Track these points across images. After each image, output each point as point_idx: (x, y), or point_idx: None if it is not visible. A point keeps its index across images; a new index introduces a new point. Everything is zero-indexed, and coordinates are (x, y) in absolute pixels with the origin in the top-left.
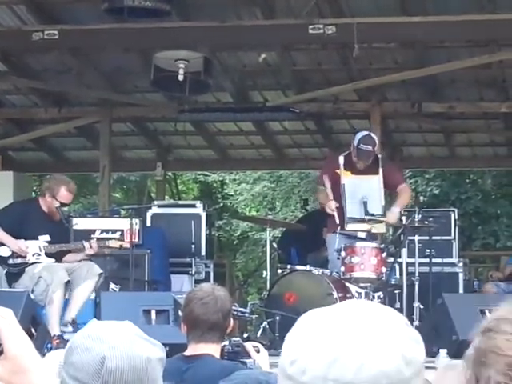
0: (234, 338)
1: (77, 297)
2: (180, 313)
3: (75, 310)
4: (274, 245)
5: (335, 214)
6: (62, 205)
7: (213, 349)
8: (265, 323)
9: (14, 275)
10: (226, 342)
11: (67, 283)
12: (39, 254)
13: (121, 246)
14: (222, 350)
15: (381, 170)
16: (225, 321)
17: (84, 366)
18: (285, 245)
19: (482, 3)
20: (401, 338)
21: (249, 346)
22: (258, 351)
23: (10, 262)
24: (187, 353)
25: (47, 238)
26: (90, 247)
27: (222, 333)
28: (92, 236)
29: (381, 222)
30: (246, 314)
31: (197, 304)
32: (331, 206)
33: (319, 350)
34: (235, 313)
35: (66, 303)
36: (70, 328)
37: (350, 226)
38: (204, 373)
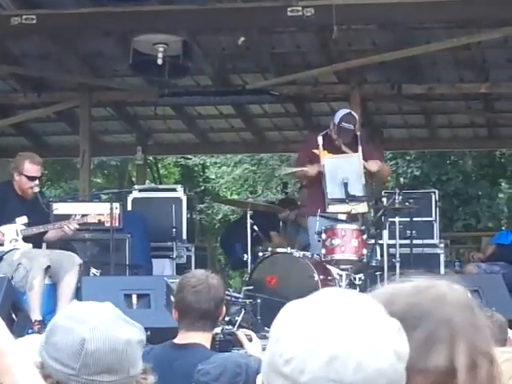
0: (226, 327)
1: (63, 292)
2: (172, 298)
3: (65, 307)
4: (255, 228)
5: (319, 168)
6: (31, 178)
7: (204, 337)
8: (245, 306)
9: None
10: (218, 330)
11: (47, 268)
12: (16, 240)
13: (99, 220)
14: (214, 338)
15: (360, 148)
16: (217, 309)
17: (64, 347)
18: (228, 241)
19: None
20: (390, 333)
21: (241, 334)
22: (250, 340)
23: None
24: (177, 340)
25: (24, 219)
26: (68, 226)
27: (214, 321)
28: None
29: (362, 201)
30: (240, 300)
31: (189, 291)
32: (313, 170)
33: (315, 349)
34: (229, 298)
35: (48, 290)
36: None
37: (331, 208)
38: (194, 363)
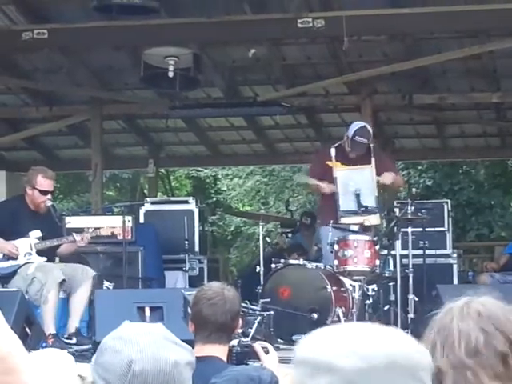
0: (242, 339)
1: (75, 306)
2: (189, 310)
3: (77, 320)
4: (268, 239)
5: (333, 189)
6: (44, 193)
7: (220, 350)
8: (259, 318)
9: (5, 277)
10: (235, 343)
11: (62, 282)
12: (30, 254)
13: (112, 233)
14: (230, 350)
15: (373, 160)
16: (233, 322)
17: (112, 367)
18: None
19: None
20: (412, 339)
21: (258, 347)
22: (267, 352)
23: (1, 265)
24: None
25: (38, 233)
26: (82, 239)
27: (230, 334)
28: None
29: (374, 213)
30: (257, 312)
31: (205, 304)
32: (328, 188)
33: (336, 336)
34: (246, 310)
35: (62, 304)
36: (74, 340)
37: (343, 220)
38: (210, 376)
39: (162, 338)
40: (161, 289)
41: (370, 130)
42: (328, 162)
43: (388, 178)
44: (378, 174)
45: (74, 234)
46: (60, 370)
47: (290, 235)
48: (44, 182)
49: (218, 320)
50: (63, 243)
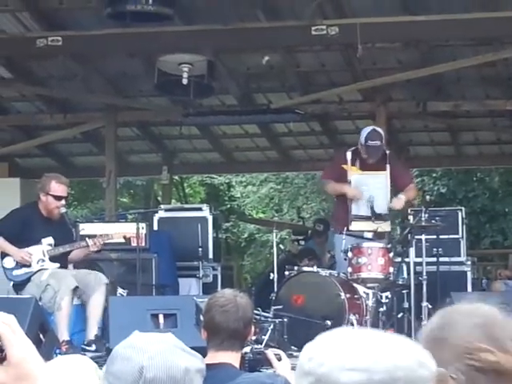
0: (255, 346)
1: (92, 314)
2: (201, 317)
3: (95, 328)
4: (281, 246)
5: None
6: (58, 198)
7: (232, 357)
8: (272, 325)
9: (19, 284)
10: (248, 349)
11: (75, 289)
12: (43, 260)
13: (124, 237)
14: (243, 357)
15: (388, 167)
16: (245, 329)
17: (123, 375)
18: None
19: (485, 1)
20: (416, 348)
21: (270, 353)
22: (279, 359)
23: (15, 273)
24: (206, 360)
25: (50, 239)
26: (94, 244)
27: (242, 341)
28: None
29: (386, 220)
30: (269, 319)
31: (217, 311)
32: (356, 195)
33: (337, 346)
34: (258, 317)
35: (75, 311)
36: (93, 347)
37: (354, 224)
38: (223, 383)
39: (173, 345)
40: (174, 296)
41: (381, 131)
42: (343, 166)
43: (398, 203)
44: (393, 181)
45: (86, 238)
46: (82, 377)
47: (302, 242)
48: (58, 187)
49: (230, 327)
50: (76, 248)
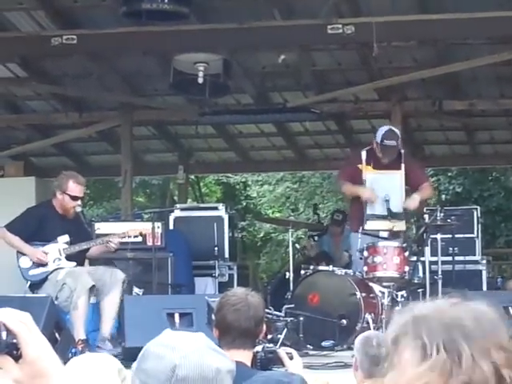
0: (267, 345)
1: (107, 310)
2: (213, 317)
3: (110, 325)
4: (297, 246)
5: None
6: (74, 198)
7: (244, 355)
8: (288, 324)
9: (36, 283)
10: (259, 348)
11: (92, 288)
12: (59, 259)
13: (140, 233)
14: (255, 356)
15: (403, 166)
16: (257, 328)
17: (155, 373)
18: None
19: (501, 0)
20: None
21: (282, 352)
22: (291, 358)
23: (31, 273)
24: None
25: (66, 237)
26: (111, 241)
27: (254, 339)
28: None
29: (401, 219)
30: (281, 318)
31: (229, 310)
32: (371, 197)
33: None
34: (270, 316)
35: (92, 309)
36: (108, 344)
37: (369, 223)
38: (236, 381)
39: (205, 345)
40: (190, 295)
41: (397, 131)
42: (359, 166)
43: (413, 203)
44: (407, 181)
45: (103, 237)
46: (104, 374)
47: (316, 238)
48: (75, 187)
49: (241, 326)
50: (92, 246)
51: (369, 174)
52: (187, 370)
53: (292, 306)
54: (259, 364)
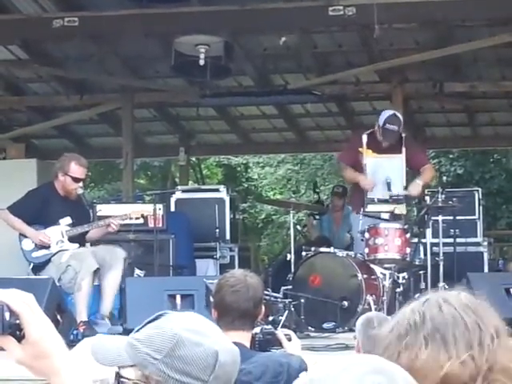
0: (265, 326)
1: (108, 289)
2: (211, 298)
3: (110, 303)
4: (298, 227)
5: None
6: (76, 180)
7: (243, 337)
8: (290, 306)
9: (39, 266)
10: (258, 330)
11: (96, 270)
12: (62, 241)
13: (142, 215)
14: (253, 337)
15: (404, 150)
16: (256, 309)
17: (195, 360)
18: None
19: None
20: None
21: (280, 334)
22: (289, 339)
23: (34, 255)
24: None
25: (68, 220)
26: (112, 223)
27: (253, 320)
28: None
29: (402, 203)
30: (279, 299)
31: (228, 291)
32: (367, 184)
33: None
34: (268, 298)
35: (94, 291)
36: (107, 322)
37: (370, 207)
38: None
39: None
40: (192, 277)
41: (401, 117)
42: (359, 149)
43: (415, 189)
44: (409, 163)
45: (104, 219)
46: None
47: (317, 217)
48: (77, 169)
49: (240, 307)
50: (94, 228)
51: (369, 158)
52: (226, 355)
53: (290, 287)
54: (258, 345)
